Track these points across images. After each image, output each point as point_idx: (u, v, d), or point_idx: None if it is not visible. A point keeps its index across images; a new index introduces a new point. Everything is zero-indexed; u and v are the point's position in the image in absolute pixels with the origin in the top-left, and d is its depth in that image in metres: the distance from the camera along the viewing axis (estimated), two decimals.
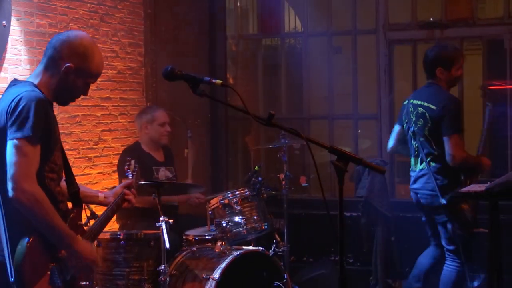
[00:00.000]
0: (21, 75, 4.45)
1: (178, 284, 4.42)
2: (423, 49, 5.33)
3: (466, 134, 4.75)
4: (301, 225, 6.08)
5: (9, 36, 4.52)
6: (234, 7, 7.04)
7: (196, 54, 6.55)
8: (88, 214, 3.97)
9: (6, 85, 3.09)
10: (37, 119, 2.83)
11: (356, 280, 5.60)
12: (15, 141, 2.80)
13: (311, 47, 6.74)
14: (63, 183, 3.15)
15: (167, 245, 4.16)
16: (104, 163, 5.44)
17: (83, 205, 3.29)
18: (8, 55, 4.54)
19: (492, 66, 6.12)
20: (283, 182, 5.31)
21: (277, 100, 6.96)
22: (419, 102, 4.77)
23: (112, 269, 4.35)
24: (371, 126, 6.40)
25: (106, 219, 3.37)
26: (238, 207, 4.66)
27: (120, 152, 5.36)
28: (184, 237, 4.77)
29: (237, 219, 4.62)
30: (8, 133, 2.83)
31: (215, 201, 4.76)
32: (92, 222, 3.70)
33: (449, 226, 4.70)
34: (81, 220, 3.19)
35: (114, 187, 3.76)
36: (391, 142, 5.10)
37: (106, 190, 4.59)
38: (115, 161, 5.38)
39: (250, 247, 4.66)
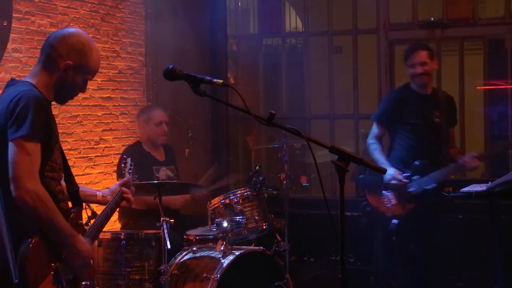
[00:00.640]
0: (21, 75, 4.45)
1: (179, 284, 4.41)
2: None
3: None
4: (302, 224, 6.07)
5: (10, 36, 4.53)
6: (235, 7, 7.04)
7: (197, 54, 6.55)
8: (89, 214, 3.96)
9: None
10: (37, 118, 2.82)
11: (357, 280, 5.59)
12: (16, 140, 2.80)
13: (312, 47, 6.75)
14: (63, 183, 3.14)
15: (168, 245, 4.16)
16: (105, 163, 5.45)
17: (84, 204, 3.29)
18: (8, 55, 4.55)
19: (493, 66, 6.12)
20: (284, 182, 5.29)
21: (278, 100, 6.96)
22: None
23: (113, 269, 4.37)
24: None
25: (105, 217, 3.37)
26: (239, 207, 4.66)
27: (121, 152, 5.37)
28: (185, 237, 4.77)
29: (238, 219, 4.61)
30: (9, 133, 2.82)
31: (216, 201, 4.75)
32: (93, 221, 3.69)
33: None
34: (81, 219, 3.19)
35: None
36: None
37: (106, 189, 4.59)
38: (116, 161, 5.38)
39: (251, 247, 4.67)
